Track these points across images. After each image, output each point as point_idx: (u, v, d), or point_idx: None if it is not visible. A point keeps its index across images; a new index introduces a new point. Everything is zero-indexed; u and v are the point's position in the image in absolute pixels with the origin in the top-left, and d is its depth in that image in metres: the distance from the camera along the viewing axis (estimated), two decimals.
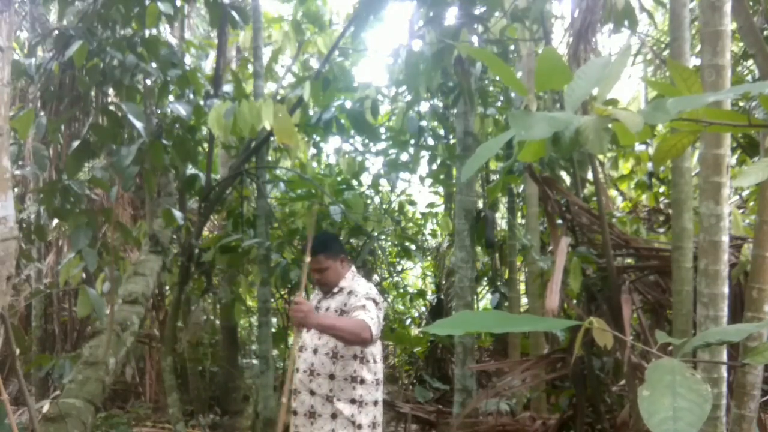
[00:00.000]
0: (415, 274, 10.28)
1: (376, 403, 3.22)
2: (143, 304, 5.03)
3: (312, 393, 3.18)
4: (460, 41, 4.24)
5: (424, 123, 6.38)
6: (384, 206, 7.56)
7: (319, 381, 3.17)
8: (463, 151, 5.22)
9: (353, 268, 3.46)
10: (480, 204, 6.81)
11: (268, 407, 5.28)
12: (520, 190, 6.91)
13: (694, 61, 4.69)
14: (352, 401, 3.14)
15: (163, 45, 4.82)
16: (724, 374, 2.87)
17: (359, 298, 3.17)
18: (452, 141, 6.47)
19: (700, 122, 1.34)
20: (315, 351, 3.22)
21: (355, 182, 7.03)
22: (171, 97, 5.02)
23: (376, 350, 3.24)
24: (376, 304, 3.15)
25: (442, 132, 6.79)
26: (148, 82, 4.91)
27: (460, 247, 5.19)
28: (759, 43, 3.04)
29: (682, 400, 1.02)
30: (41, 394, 6.42)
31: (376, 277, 8.37)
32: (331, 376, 3.16)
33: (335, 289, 3.32)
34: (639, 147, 6.39)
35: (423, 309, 9.27)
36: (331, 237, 3.64)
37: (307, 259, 3.28)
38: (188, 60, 6.55)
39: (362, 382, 3.17)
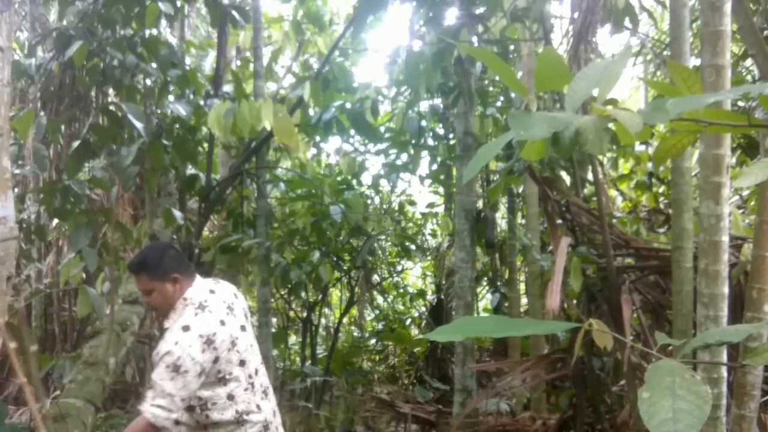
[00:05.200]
0: (415, 274, 10.27)
1: None
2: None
3: None
4: (460, 41, 4.24)
5: (424, 123, 6.38)
6: (384, 206, 7.55)
7: None
8: (463, 151, 5.22)
9: (195, 284, 2.72)
10: (480, 204, 6.81)
11: None
12: (520, 190, 6.91)
13: (694, 61, 4.68)
14: None
15: (163, 45, 4.83)
16: (724, 374, 2.87)
17: (158, 358, 2.50)
18: (452, 141, 6.47)
19: (700, 122, 1.33)
20: None
21: (355, 182, 7.03)
22: (171, 97, 5.02)
23: (219, 390, 2.59)
24: (177, 360, 2.46)
25: (442, 132, 6.79)
26: (148, 82, 4.91)
27: (460, 247, 5.19)
28: (759, 43, 3.04)
29: (682, 402, 1.02)
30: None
31: (376, 277, 8.37)
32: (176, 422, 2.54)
33: (167, 323, 2.66)
34: (639, 147, 6.39)
35: (423, 309, 9.27)
36: (157, 251, 2.75)
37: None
38: (188, 60, 6.55)
39: (216, 425, 2.62)
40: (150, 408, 2.47)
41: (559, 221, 4.11)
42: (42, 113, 4.54)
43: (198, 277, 2.79)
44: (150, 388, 2.49)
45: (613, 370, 4.29)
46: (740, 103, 4.73)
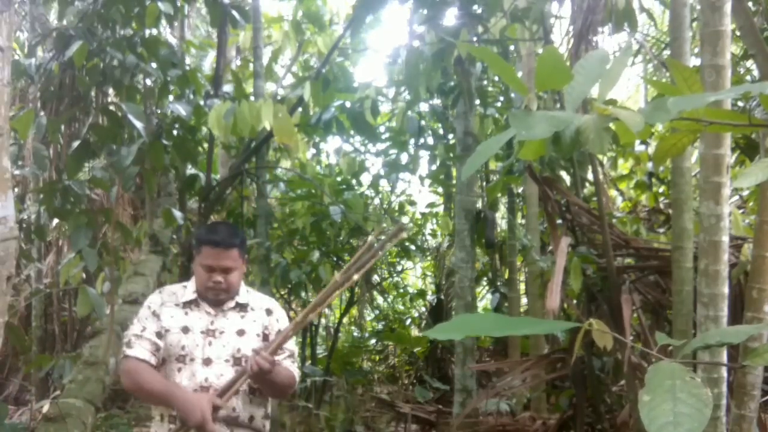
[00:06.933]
0: (415, 274, 10.28)
1: None
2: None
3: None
4: (460, 41, 4.24)
5: (423, 123, 6.38)
6: (384, 206, 7.55)
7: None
8: (463, 151, 5.22)
9: None
10: (480, 204, 6.81)
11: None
12: (520, 190, 6.91)
13: (694, 61, 4.68)
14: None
15: (163, 45, 4.82)
16: (724, 374, 2.87)
17: (284, 329, 2.48)
18: (452, 141, 6.48)
19: (700, 122, 1.33)
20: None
21: (355, 182, 7.03)
22: (171, 97, 5.02)
23: None
24: None
25: (442, 132, 6.79)
26: (148, 82, 4.91)
27: (460, 247, 5.18)
28: (759, 43, 3.04)
29: (682, 405, 1.01)
30: (41, 394, 6.41)
31: (376, 277, 8.37)
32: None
33: (231, 304, 2.49)
34: (639, 147, 6.39)
35: (423, 309, 9.27)
36: (238, 228, 2.80)
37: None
38: (188, 60, 6.55)
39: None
40: (297, 373, 2.55)
41: (559, 221, 4.11)
42: (42, 113, 4.53)
43: None
44: (290, 356, 2.54)
45: (613, 370, 4.29)
46: (740, 104, 4.73)
